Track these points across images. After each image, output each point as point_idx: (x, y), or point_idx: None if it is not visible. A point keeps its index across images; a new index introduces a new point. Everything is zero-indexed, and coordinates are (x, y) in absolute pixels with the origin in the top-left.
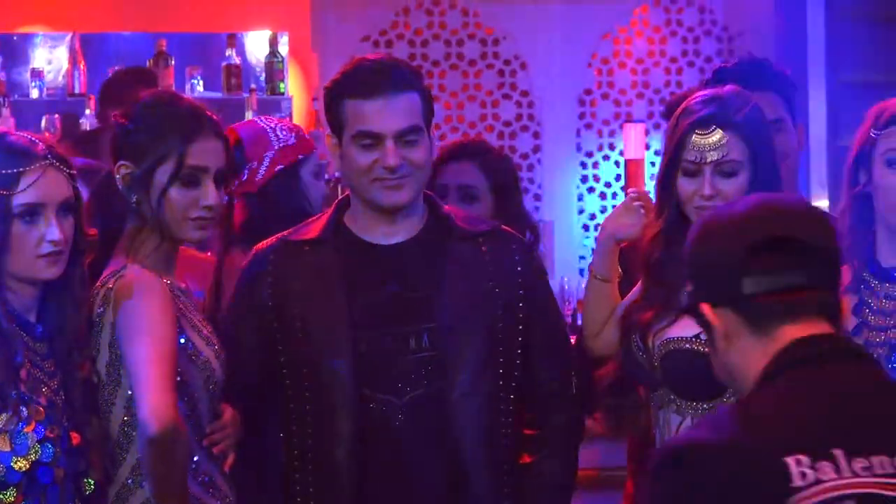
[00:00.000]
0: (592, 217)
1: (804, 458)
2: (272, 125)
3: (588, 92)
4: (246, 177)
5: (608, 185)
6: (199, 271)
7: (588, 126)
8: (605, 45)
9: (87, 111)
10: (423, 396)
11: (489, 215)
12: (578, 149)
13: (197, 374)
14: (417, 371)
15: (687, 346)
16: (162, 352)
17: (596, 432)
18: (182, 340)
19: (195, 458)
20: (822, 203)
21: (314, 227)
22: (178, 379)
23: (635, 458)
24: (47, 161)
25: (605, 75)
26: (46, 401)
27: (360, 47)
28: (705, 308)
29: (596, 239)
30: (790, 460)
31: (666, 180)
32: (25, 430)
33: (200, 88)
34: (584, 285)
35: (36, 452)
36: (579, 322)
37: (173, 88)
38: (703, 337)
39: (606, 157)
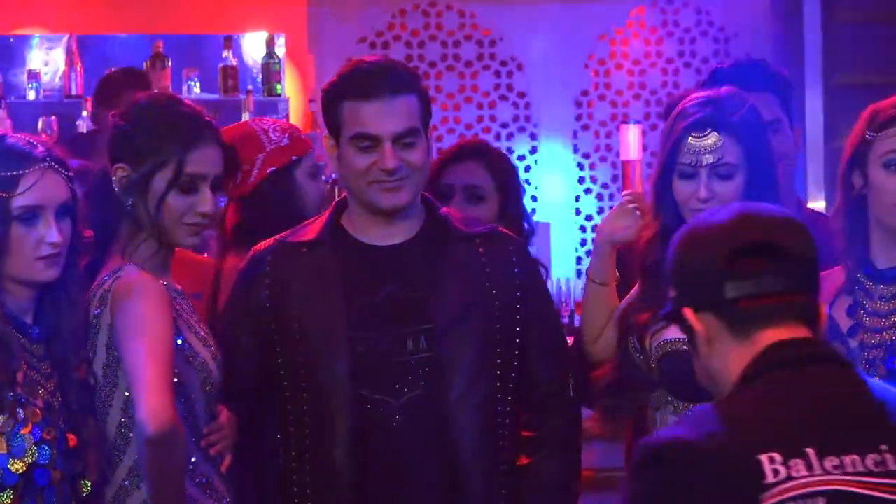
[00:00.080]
0: (589, 218)
1: (777, 456)
2: (265, 127)
3: (585, 93)
4: (239, 179)
5: (605, 186)
6: (196, 273)
7: (585, 127)
8: (602, 46)
9: (84, 113)
10: (421, 397)
11: (494, 215)
12: (575, 150)
13: (194, 375)
14: (415, 372)
15: (684, 347)
16: (159, 353)
17: (593, 433)
18: (179, 342)
19: (192, 460)
20: (819, 204)
21: (312, 229)
22: (175, 380)
23: None
24: (46, 163)
25: (602, 76)
26: (43, 403)
27: (356, 49)
28: (688, 313)
29: (592, 243)
30: (763, 458)
31: (662, 182)
32: (22, 431)
33: (197, 90)
34: (581, 289)
35: (33, 454)
36: (577, 323)
37: (170, 90)
38: None
39: (603, 159)
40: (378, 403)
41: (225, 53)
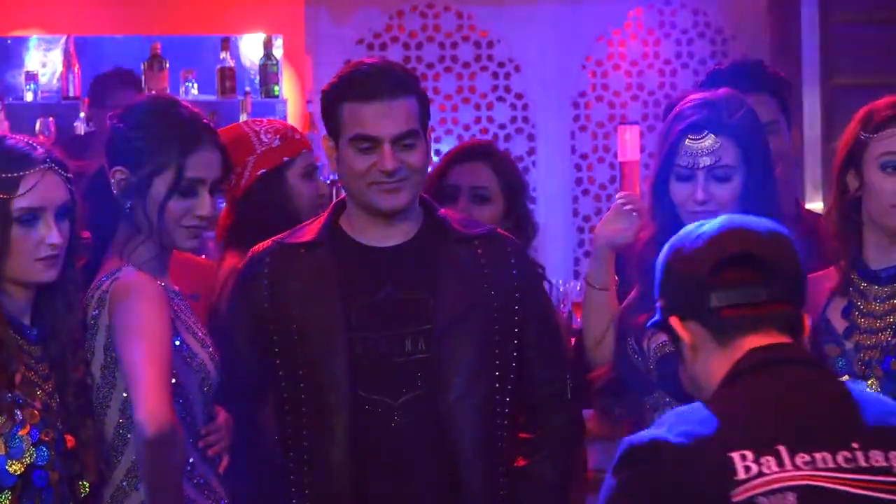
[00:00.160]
0: (587, 219)
1: (749, 454)
2: (256, 129)
3: (582, 94)
4: (232, 181)
5: (603, 187)
6: (194, 274)
7: (582, 128)
8: (599, 48)
9: (82, 114)
10: (420, 398)
11: (499, 216)
12: (573, 151)
13: (192, 376)
14: (413, 373)
15: None
16: (158, 354)
17: (591, 434)
18: (177, 343)
19: (190, 460)
20: (817, 205)
21: (310, 230)
22: (174, 381)
23: None
24: (46, 164)
25: (600, 77)
26: (41, 404)
27: (354, 50)
28: (674, 322)
29: (590, 246)
30: (735, 455)
31: (659, 184)
32: (20, 433)
33: (195, 91)
34: (578, 289)
35: (31, 456)
36: (574, 324)
37: (167, 91)
38: None
39: (601, 160)
40: (377, 404)
41: (223, 55)
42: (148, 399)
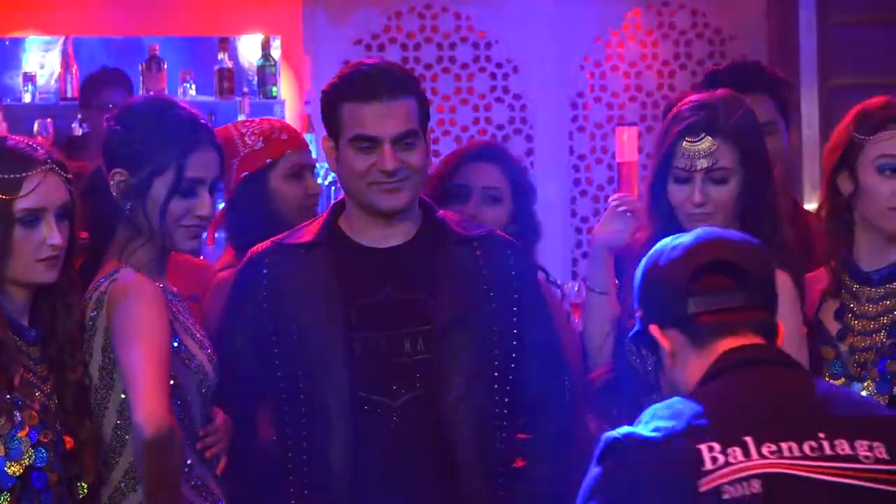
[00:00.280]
0: (585, 220)
1: (716, 445)
2: (242, 131)
3: (580, 95)
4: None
5: (601, 188)
6: (192, 275)
7: (580, 129)
8: (598, 49)
9: (80, 115)
10: (418, 399)
11: (508, 217)
12: (571, 152)
13: (190, 377)
14: (412, 374)
15: None
16: (156, 355)
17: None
18: (175, 344)
19: (188, 462)
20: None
21: (309, 231)
22: (172, 383)
23: None
24: (47, 165)
25: (598, 78)
26: (40, 405)
27: (352, 51)
28: (654, 330)
29: (588, 247)
30: (703, 447)
31: (657, 186)
32: (19, 434)
33: (193, 92)
34: (576, 291)
35: (30, 457)
36: (572, 324)
37: (166, 92)
38: None
39: (599, 161)
40: (376, 405)
41: (221, 56)
42: (146, 401)
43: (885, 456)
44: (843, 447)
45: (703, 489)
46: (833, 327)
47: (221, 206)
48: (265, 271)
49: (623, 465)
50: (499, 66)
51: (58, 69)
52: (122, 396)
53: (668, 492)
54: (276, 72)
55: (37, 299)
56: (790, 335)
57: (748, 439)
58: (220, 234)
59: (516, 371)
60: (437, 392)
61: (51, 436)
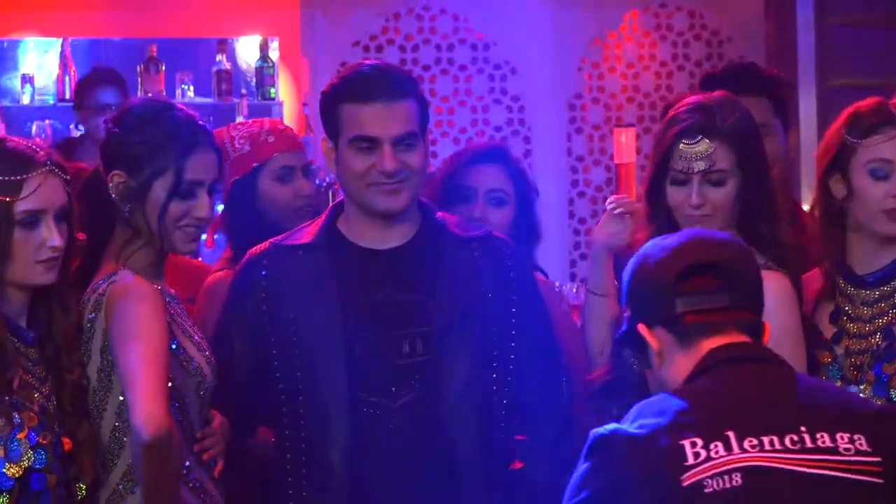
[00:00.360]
0: (583, 222)
1: (698, 441)
2: (232, 135)
3: (578, 96)
4: None
5: (599, 189)
6: (189, 277)
7: (578, 131)
8: (596, 50)
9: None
10: (417, 400)
11: (512, 219)
12: (569, 153)
13: (188, 379)
14: (411, 375)
15: None
16: (155, 358)
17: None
18: (173, 346)
19: (186, 464)
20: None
21: (307, 232)
22: (170, 385)
23: None
24: (47, 167)
25: (596, 80)
26: (38, 407)
27: (350, 52)
28: (642, 329)
29: (587, 251)
30: (686, 443)
31: (654, 188)
32: (18, 436)
33: (191, 94)
34: (574, 292)
35: (29, 459)
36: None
37: (164, 94)
38: None
39: (597, 162)
40: (375, 406)
41: (219, 57)
42: (145, 403)
43: (866, 448)
44: (824, 439)
45: (685, 483)
46: (828, 330)
47: (220, 207)
48: (264, 273)
49: (610, 461)
50: (497, 67)
51: (56, 71)
52: (121, 398)
53: (653, 487)
54: (275, 73)
55: (34, 300)
56: (788, 337)
57: (730, 434)
58: (219, 236)
59: (515, 372)
60: (436, 393)
61: (50, 437)
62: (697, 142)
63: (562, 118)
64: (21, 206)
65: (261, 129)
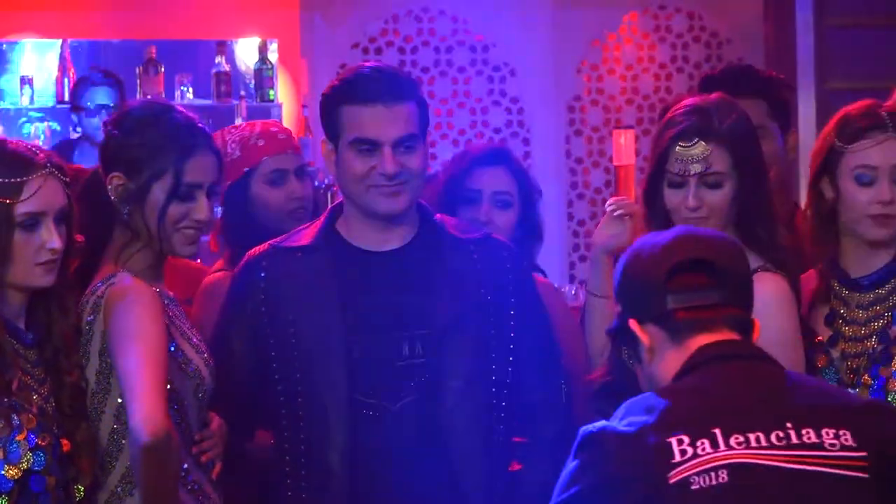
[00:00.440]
0: (582, 223)
1: (685, 438)
2: (226, 139)
3: (577, 98)
4: None
5: (598, 191)
6: (187, 279)
7: (577, 132)
8: (595, 52)
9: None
10: (416, 402)
11: (516, 221)
12: (568, 155)
13: (187, 382)
14: (410, 377)
15: None
16: (154, 360)
17: None
18: (172, 349)
19: (184, 466)
20: None
21: (306, 234)
22: (169, 387)
23: None
24: (47, 170)
25: (595, 81)
26: (37, 408)
27: (349, 54)
28: (634, 325)
29: (586, 252)
30: (673, 440)
31: (651, 190)
32: (18, 438)
33: (190, 96)
34: (573, 293)
35: (28, 461)
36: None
37: (163, 96)
38: None
39: (596, 164)
40: (374, 408)
41: (218, 59)
42: (144, 405)
43: (851, 443)
44: (810, 435)
45: (672, 481)
46: (824, 333)
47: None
48: (263, 274)
49: (598, 458)
50: (496, 69)
51: (55, 72)
52: (119, 401)
53: (641, 484)
54: (274, 75)
55: (32, 302)
56: (786, 339)
57: (716, 431)
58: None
59: (513, 374)
60: (434, 395)
61: (48, 439)
62: (694, 144)
63: (561, 120)
64: (21, 209)
65: (251, 133)
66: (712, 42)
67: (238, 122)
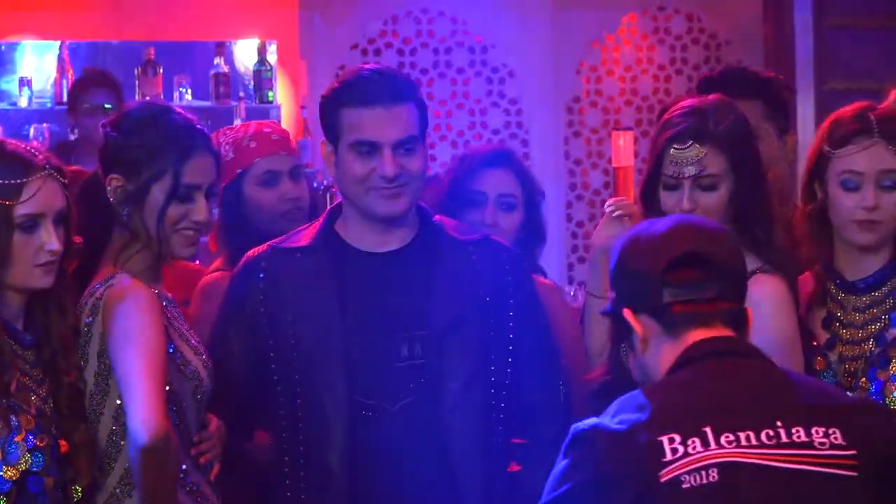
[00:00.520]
0: (580, 225)
1: (676, 437)
2: (220, 140)
3: (576, 100)
4: None
5: (597, 192)
6: (185, 280)
7: (576, 134)
8: (594, 53)
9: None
10: (416, 404)
11: (521, 223)
12: (567, 156)
13: (185, 383)
14: (410, 378)
15: None
16: (153, 362)
17: None
18: (170, 350)
19: (182, 467)
20: None
21: (305, 235)
22: (167, 388)
23: None
24: (46, 171)
25: (594, 83)
26: (35, 409)
27: (348, 56)
28: (627, 314)
29: (585, 254)
30: (664, 439)
31: (648, 192)
32: (16, 439)
33: (189, 97)
34: (571, 295)
35: (26, 462)
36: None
37: (161, 97)
38: None
39: (595, 165)
40: (373, 409)
41: (217, 60)
42: (143, 407)
43: (840, 442)
44: (800, 434)
45: (663, 479)
46: (822, 336)
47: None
48: (262, 275)
49: (590, 456)
50: (495, 70)
51: (54, 73)
52: (118, 403)
53: (632, 482)
54: (273, 76)
55: (30, 303)
56: (785, 340)
57: (707, 429)
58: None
59: (513, 375)
60: (434, 396)
61: (47, 440)
62: (688, 147)
63: (559, 121)
64: (21, 210)
65: (244, 135)
66: (711, 43)
67: (237, 123)
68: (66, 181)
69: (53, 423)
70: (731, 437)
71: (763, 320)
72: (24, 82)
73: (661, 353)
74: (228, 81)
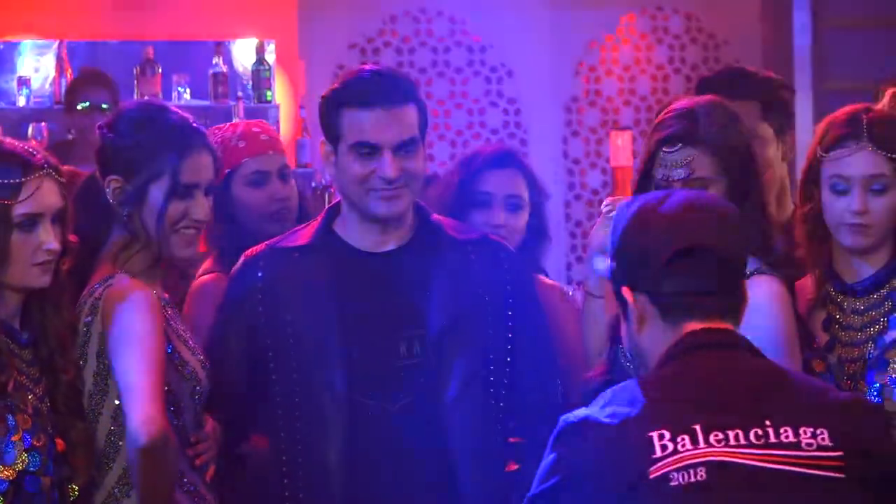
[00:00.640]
0: (579, 225)
1: (666, 433)
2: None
3: (575, 99)
4: None
5: (595, 192)
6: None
7: (575, 133)
8: (592, 53)
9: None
10: (415, 403)
11: (526, 223)
12: (565, 156)
13: (183, 384)
14: (409, 378)
15: None
16: (151, 362)
17: None
18: (169, 351)
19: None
20: None
21: (303, 234)
22: (166, 389)
23: None
24: (45, 171)
25: (592, 83)
26: (32, 408)
27: (347, 55)
28: (626, 292)
29: (583, 253)
30: (654, 435)
31: (642, 192)
32: (13, 438)
33: (187, 96)
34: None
35: (23, 462)
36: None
37: (160, 97)
38: None
39: (593, 165)
40: (372, 408)
41: (215, 60)
42: (142, 407)
43: (827, 442)
44: (788, 434)
45: (652, 476)
46: (822, 338)
47: None
48: (260, 274)
49: (579, 450)
50: (493, 70)
51: (52, 73)
52: (116, 403)
53: (621, 477)
54: (271, 76)
55: (27, 302)
56: (783, 340)
57: (697, 427)
58: None
59: (510, 374)
60: (432, 395)
61: (43, 439)
62: (677, 150)
63: (558, 121)
64: (19, 210)
65: (232, 135)
66: (709, 43)
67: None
68: (63, 180)
69: (50, 422)
70: (721, 436)
71: (761, 320)
72: (23, 82)
73: (654, 337)
74: (227, 81)
